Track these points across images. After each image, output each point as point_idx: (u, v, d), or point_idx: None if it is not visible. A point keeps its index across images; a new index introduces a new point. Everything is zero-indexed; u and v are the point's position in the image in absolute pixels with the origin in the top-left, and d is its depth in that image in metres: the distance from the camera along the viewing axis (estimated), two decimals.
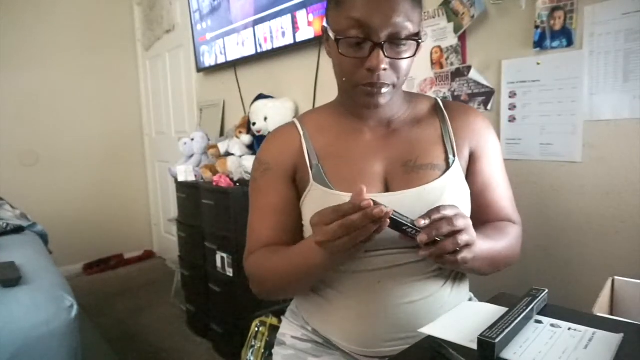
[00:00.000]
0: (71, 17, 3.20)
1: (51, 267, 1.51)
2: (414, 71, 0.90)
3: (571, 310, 0.66)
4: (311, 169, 0.78)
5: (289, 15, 1.92)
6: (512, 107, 1.26)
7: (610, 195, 1.10)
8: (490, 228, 0.79)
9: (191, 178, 2.20)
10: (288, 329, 0.89)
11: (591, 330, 0.58)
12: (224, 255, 1.89)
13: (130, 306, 2.70)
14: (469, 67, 1.34)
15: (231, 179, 1.96)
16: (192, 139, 2.38)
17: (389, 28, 0.67)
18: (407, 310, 0.74)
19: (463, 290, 0.83)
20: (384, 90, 0.71)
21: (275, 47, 2.05)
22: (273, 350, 0.90)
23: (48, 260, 1.61)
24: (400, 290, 0.74)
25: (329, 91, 1.28)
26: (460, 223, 0.61)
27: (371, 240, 0.60)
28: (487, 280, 0.84)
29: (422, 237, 0.59)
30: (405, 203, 0.71)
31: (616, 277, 0.88)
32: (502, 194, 0.83)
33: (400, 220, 0.59)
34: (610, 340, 0.55)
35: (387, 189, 0.76)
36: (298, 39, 1.91)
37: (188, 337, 2.28)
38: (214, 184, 1.94)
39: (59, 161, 3.22)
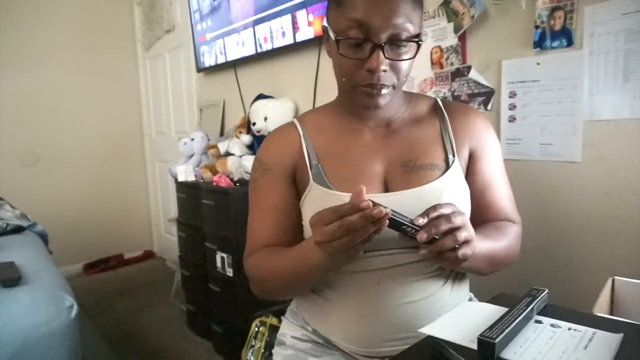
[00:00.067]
0: (71, 17, 3.20)
1: (51, 267, 1.51)
2: (414, 71, 0.90)
3: (571, 310, 0.66)
4: (311, 169, 0.78)
5: (289, 15, 1.92)
6: (512, 107, 1.26)
7: (610, 195, 1.10)
8: (490, 228, 0.79)
9: (191, 178, 2.20)
10: (288, 329, 0.89)
11: (591, 330, 0.58)
12: (224, 255, 1.89)
13: (130, 306, 2.70)
14: (469, 67, 1.34)
15: (231, 179, 1.96)
16: (192, 139, 2.38)
17: (390, 29, 0.67)
18: (407, 310, 0.74)
19: (463, 290, 0.83)
20: (383, 91, 0.71)
21: (275, 47, 2.05)
22: (273, 350, 0.90)
23: (48, 260, 1.61)
24: (400, 290, 0.74)
25: (329, 91, 1.28)
26: (458, 220, 0.61)
27: (370, 241, 0.60)
28: (487, 280, 0.84)
29: (421, 235, 0.59)
30: (405, 203, 0.71)
31: (616, 277, 0.88)
32: (502, 194, 0.83)
33: (400, 220, 0.59)
34: (610, 340, 0.55)
35: (386, 189, 0.76)
36: (298, 39, 1.91)
37: (188, 337, 2.28)
38: (214, 184, 1.94)
39: (59, 161, 3.22)
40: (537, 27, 1.17)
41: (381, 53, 0.67)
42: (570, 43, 1.12)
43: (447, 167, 0.77)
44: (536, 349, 0.54)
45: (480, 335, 0.53)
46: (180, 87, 3.07)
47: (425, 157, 0.77)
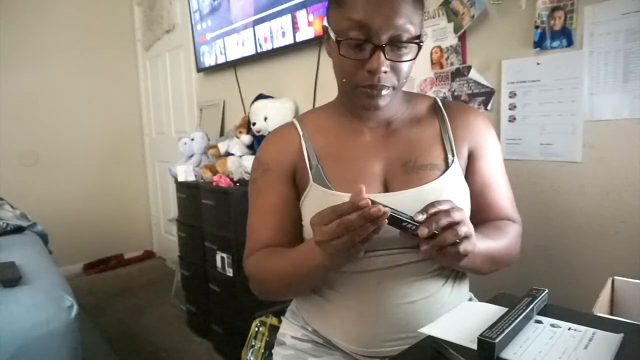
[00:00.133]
0: (71, 17, 3.20)
1: (51, 267, 1.51)
2: (414, 71, 0.90)
3: (571, 310, 0.66)
4: (311, 170, 0.78)
5: (289, 15, 1.92)
6: (512, 107, 1.26)
7: (610, 195, 1.10)
8: (490, 227, 0.79)
9: (191, 178, 2.20)
10: (288, 329, 0.89)
11: (591, 330, 0.58)
12: (224, 255, 1.89)
13: (130, 306, 2.70)
14: (469, 67, 1.34)
15: (231, 179, 1.96)
16: (192, 139, 2.38)
17: (390, 30, 0.66)
18: (407, 310, 0.74)
19: (463, 290, 0.83)
20: (384, 92, 0.71)
21: (275, 47, 2.05)
22: (273, 350, 0.90)
23: (48, 260, 1.61)
24: (400, 290, 0.74)
25: (329, 91, 1.28)
26: (457, 215, 0.61)
27: (370, 240, 0.60)
28: (487, 280, 0.84)
29: (422, 230, 0.59)
30: (405, 203, 0.71)
31: (616, 277, 0.88)
32: (501, 194, 0.83)
33: (400, 217, 0.59)
34: (610, 340, 0.55)
35: (386, 189, 0.76)
36: (298, 39, 1.91)
37: (188, 337, 2.28)
38: (214, 184, 1.94)
39: (59, 161, 3.22)
40: (537, 27, 1.17)
41: (382, 54, 0.67)
42: (570, 43, 1.12)
43: (447, 167, 0.77)
44: (536, 349, 0.54)
45: (480, 335, 0.53)
46: (180, 87, 3.07)
47: (425, 157, 0.77)
